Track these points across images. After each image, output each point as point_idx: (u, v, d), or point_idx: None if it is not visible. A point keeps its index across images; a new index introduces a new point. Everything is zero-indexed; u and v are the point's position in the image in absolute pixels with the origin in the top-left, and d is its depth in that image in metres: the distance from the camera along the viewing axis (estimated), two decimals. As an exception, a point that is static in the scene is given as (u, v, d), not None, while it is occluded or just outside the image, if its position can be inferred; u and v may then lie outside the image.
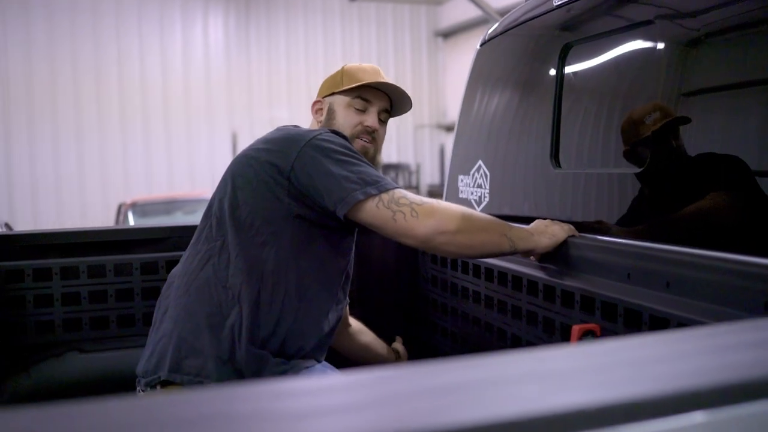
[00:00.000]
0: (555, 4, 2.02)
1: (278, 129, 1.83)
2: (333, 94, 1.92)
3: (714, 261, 1.36)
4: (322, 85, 1.99)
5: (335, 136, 1.73)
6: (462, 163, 2.56)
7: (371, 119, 1.90)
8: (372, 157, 1.88)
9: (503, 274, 1.99)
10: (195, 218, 8.76)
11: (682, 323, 1.34)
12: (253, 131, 12.03)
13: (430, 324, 2.55)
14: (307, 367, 1.70)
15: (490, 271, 2.06)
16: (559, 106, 1.99)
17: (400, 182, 11.87)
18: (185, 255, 1.82)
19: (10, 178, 10.61)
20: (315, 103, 1.98)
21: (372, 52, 12.89)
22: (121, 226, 2.51)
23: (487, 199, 2.37)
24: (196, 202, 8.77)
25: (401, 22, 13.04)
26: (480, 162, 2.42)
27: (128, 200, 8.54)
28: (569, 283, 1.69)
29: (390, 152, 12.72)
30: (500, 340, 2.02)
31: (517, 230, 1.71)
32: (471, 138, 2.53)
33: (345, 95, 1.90)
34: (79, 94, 11.13)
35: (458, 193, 2.57)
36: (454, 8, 12.35)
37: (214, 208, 1.77)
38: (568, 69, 1.98)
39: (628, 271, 1.58)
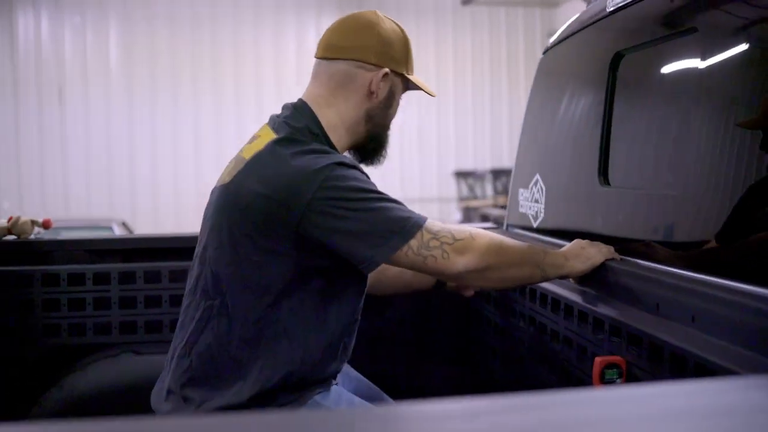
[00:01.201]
0: (608, 10, 1.90)
1: (274, 154, 1.54)
2: (400, 74, 1.68)
3: (740, 296, 1.22)
4: (383, 43, 1.64)
5: (345, 171, 1.50)
6: (522, 177, 2.46)
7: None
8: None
9: (544, 296, 1.89)
10: None
11: (699, 364, 1.21)
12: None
13: (481, 342, 2.47)
14: (319, 392, 1.64)
15: (533, 291, 1.96)
16: (609, 119, 1.86)
17: (499, 188, 11.60)
18: (185, 301, 1.66)
19: (133, 178, 11.23)
20: (386, 74, 1.64)
21: (485, 57, 12.73)
22: (178, 234, 2.55)
23: (542, 216, 2.26)
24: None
25: (514, 25, 12.80)
26: (537, 176, 2.32)
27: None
28: (601, 310, 1.58)
29: (502, 157, 12.51)
30: (540, 363, 1.92)
31: (551, 257, 1.62)
32: (531, 150, 2.43)
33: (403, 82, 1.71)
34: (198, 98, 11.62)
35: (518, 207, 2.47)
36: (570, 10, 12.01)
37: (208, 257, 1.58)
38: (620, 79, 1.85)
39: (657, 301, 1.45)
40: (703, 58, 1.48)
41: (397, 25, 1.72)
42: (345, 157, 1.59)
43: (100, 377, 2.36)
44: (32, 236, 2.49)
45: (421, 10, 12.44)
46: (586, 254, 1.64)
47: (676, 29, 1.64)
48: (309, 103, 1.65)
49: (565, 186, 2.11)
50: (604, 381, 1.47)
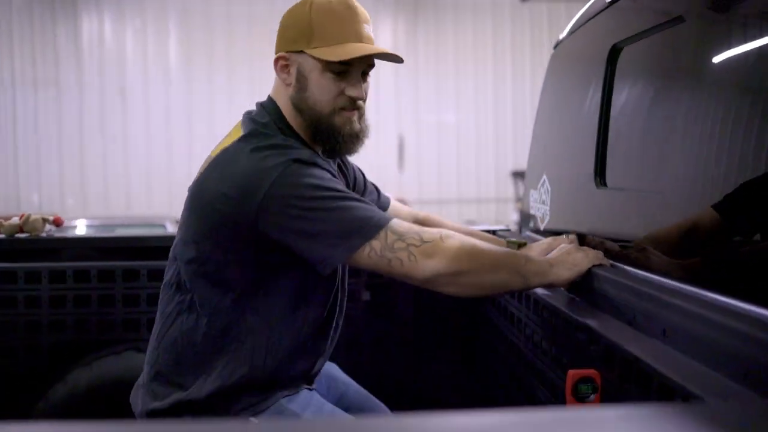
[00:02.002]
0: (606, 1, 1.79)
1: (235, 151, 1.49)
2: (302, 52, 1.51)
3: (711, 310, 1.11)
4: (282, 25, 1.57)
5: (301, 169, 1.43)
6: (533, 177, 2.36)
7: (355, 87, 1.53)
8: (359, 131, 1.57)
9: (537, 302, 1.79)
10: None
11: (662, 383, 1.10)
12: (419, 135, 12.11)
13: (485, 346, 2.38)
14: (287, 395, 1.60)
15: (527, 296, 1.87)
16: (606, 117, 1.75)
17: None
18: (161, 295, 1.64)
19: (191, 177, 11.43)
20: (278, 58, 1.55)
21: (544, 54, 12.48)
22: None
23: (548, 218, 2.15)
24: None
25: (574, 22, 12.50)
26: (545, 176, 2.22)
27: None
28: (580, 319, 1.48)
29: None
30: (529, 373, 1.83)
31: (533, 264, 1.49)
32: (539, 150, 2.33)
33: (317, 59, 1.50)
34: (255, 97, 11.74)
35: (529, 209, 2.37)
36: (633, 6, 11.66)
37: (178, 253, 1.57)
38: (618, 74, 1.74)
39: (633, 312, 1.35)
40: (706, 48, 1.36)
41: (322, 0, 1.53)
42: (305, 152, 1.49)
43: (104, 373, 2.37)
44: (43, 234, 2.53)
45: (478, 8, 12.28)
46: (572, 260, 1.52)
47: (673, 17, 1.52)
48: (274, 98, 1.61)
49: (567, 187, 2.00)
50: (578, 396, 1.38)
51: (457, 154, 12.12)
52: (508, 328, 2.07)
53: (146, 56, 11.57)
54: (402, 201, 8.89)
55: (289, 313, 1.55)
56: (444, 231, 1.47)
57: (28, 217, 2.51)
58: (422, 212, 2.01)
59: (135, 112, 11.43)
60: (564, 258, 1.53)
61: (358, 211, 1.42)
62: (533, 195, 2.32)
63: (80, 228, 8.30)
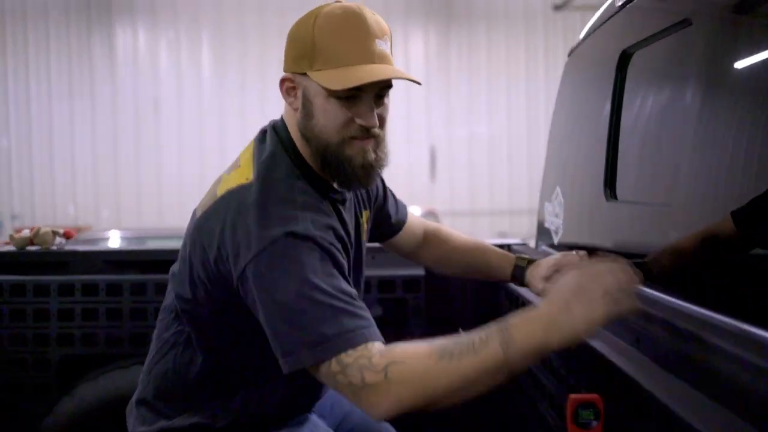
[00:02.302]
0: (617, 5, 1.71)
1: (238, 200, 1.32)
2: (306, 74, 1.33)
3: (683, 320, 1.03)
4: (288, 41, 1.38)
5: (287, 249, 1.23)
6: (547, 189, 2.28)
7: (365, 114, 1.33)
8: (373, 161, 1.37)
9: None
10: None
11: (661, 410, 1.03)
12: (451, 146, 12.02)
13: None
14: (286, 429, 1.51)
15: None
16: (616, 126, 1.68)
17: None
18: (161, 314, 1.54)
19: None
20: (284, 80, 1.39)
21: (577, 64, 12.30)
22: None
23: (561, 232, 2.07)
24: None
25: (608, 31, 12.31)
26: (558, 188, 2.14)
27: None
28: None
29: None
30: (540, 395, 1.75)
31: (517, 346, 1.13)
32: (553, 160, 2.25)
33: (322, 82, 1.31)
34: (266, 110, 11.80)
35: (544, 222, 2.29)
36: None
37: (176, 284, 1.46)
38: (629, 80, 1.66)
39: (637, 335, 1.27)
40: (717, 52, 1.27)
41: (327, 13, 1.34)
42: (303, 225, 1.27)
43: (111, 388, 2.35)
44: (54, 246, 2.52)
45: (510, 18, 12.18)
46: (570, 318, 1.13)
47: (681, 19, 1.44)
48: (286, 120, 1.45)
49: (578, 200, 1.92)
50: (579, 423, 1.30)
51: (490, 165, 12.00)
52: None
53: (180, 67, 11.70)
54: (432, 213, 8.76)
55: None
56: (391, 356, 1.16)
57: (39, 230, 2.50)
58: (433, 224, 1.92)
59: (168, 124, 11.55)
60: (555, 316, 1.14)
61: (319, 324, 1.19)
62: (547, 207, 2.24)
63: (114, 240, 8.39)
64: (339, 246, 1.32)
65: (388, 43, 1.38)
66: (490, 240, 2.45)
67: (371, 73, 1.30)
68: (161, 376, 1.50)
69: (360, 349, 1.16)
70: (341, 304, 1.20)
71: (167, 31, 11.67)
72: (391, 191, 1.82)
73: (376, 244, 2.33)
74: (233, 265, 1.28)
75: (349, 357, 1.17)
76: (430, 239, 1.88)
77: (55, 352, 2.39)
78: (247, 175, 1.37)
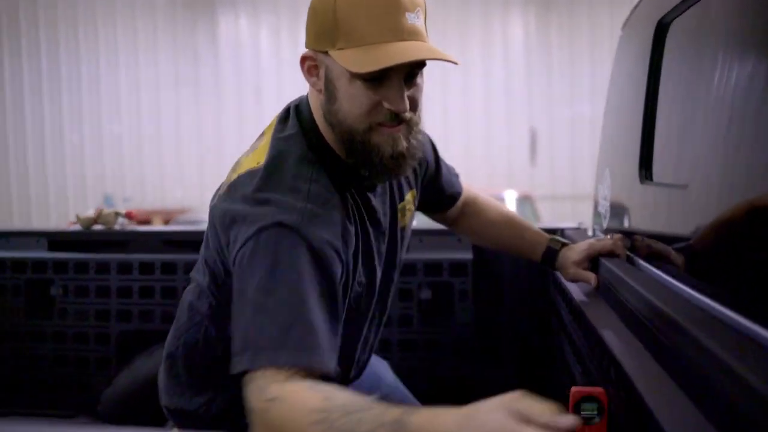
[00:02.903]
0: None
1: (245, 186, 1.27)
2: (328, 53, 1.21)
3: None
4: (309, 15, 1.25)
5: (269, 241, 1.16)
6: (600, 170, 2.16)
7: (394, 97, 1.20)
8: (404, 150, 1.25)
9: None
10: None
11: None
12: (552, 129, 11.70)
13: (548, 357, 2.21)
14: None
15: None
16: (652, 103, 1.55)
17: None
18: (192, 282, 1.51)
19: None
20: (305, 58, 1.28)
21: (689, 41, 11.66)
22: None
23: (607, 217, 1.96)
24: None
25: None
26: (607, 170, 2.02)
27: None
28: (600, 328, 1.31)
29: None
30: (567, 375, 1.67)
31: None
32: (605, 141, 2.13)
33: (343, 63, 1.19)
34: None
35: (597, 206, 2.18)
36: None
37: (200, 267, 1.44)
38: (667, 52, 1.53)
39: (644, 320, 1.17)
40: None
41: None
42: (296, 217, 1.18)
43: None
44: (116, 226, 2.62)
45: (594, 3, 11.68)
46: None
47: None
48: (309, 101, 1.35)
49: (619, 182, 1.81)
50: (581, 417, 1.22)
51: (592, 147, 11.58)
52: (564, 341, 1.91)
53: (280, 53, 11.94)
54: (528, 197, 8.53)
55: None
56: (284, 393, 1.05)
57: (102, 210, 2.61)
58: (470, 193, 1.80)
59: (269, 109, 11.82)
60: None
61: (272, 327, 1.11)
62: (600, 190, 2.13)
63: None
64: (338, 246, 1.22)
65: (421, 17, 1.22)
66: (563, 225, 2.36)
67: (401, 53, 1.16)
68: (192, 347, 1.48)
69: (271, 370, 1.08)
70: (290, 318, 1.11)
71: (268, 17, 11.91)
72: (445, 163, 1.69)
73: (425, 227, 2.30)
74: (230, 253, 1.24)
75: (260, 373, 1.09)
76: (466, 209, 1.80)
77: (115, 327, 2.49)
78: (259, 158, 1.31)
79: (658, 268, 1.36)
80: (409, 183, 1.51)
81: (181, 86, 11.70)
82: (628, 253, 1.59)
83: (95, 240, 2.58)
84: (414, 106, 1.25)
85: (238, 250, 1.19)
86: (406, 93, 1.22)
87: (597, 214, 2.15)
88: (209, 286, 1.43)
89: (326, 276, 1.18)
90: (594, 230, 2.27)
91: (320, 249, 1.18)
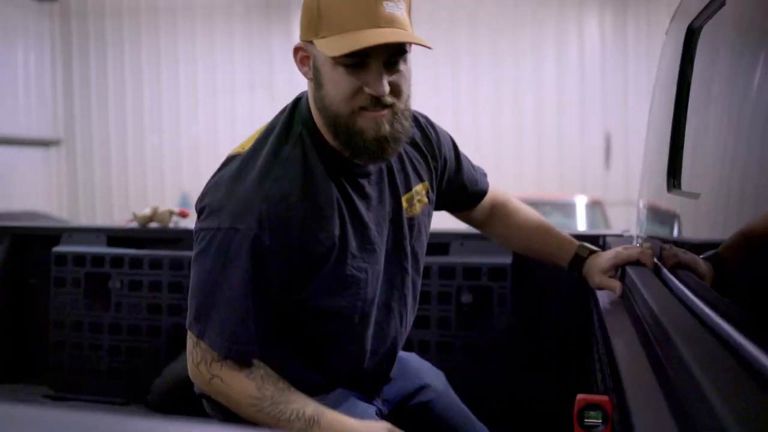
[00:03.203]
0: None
1: (228, 166, 1.40)
2: (313, 41, 1.29)
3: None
4: (301, 12, 1.34)
5: (217, 229, 1.31)
6: (642, 178, 2.13)
7: (374, 82, 1.25)
8: (388, 134, 1.31)
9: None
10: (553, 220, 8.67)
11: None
12: (627, 133, 11.42)
13: (588, 364, 2.18)
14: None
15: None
16: (682, 107, 1.52)
17: None
18: None
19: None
20: (297, 49, 1.35)
21: None
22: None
23: (645, 225, 1.93)
24: (555, 204, 8.63)
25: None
26: (647, 177, 1.99)
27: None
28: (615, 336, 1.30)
29: None
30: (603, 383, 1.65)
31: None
32: (647, 148, 2.09)
33: (322, 48, 1.26)
34: (477, 96, 11.75)
35: (639, 214, 2.14)
36: None
37: None
38: (696, 58, 1.50)
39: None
40: None
41: None
42: (248, 223, 1.30)
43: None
44: (171, 224, 2.73)
45: (672, 4, 11.26)
46: None
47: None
48: (308, 93, 1.42)
49: (652, 188, 1.77)
50: (584, 425, 1.22)
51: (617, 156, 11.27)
52: (594, 347, 1.89)
53: (354, 58, 12.08)
54: (598, 203, 8.33)
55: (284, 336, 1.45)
56: (225, 376, 1.35)
57: (158, 209, 2.72)
58: (501, 195, 1.80)
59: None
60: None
61: (222, 316, 1.33)
62: (642, 197, 2.09)
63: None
64: (276, 248, 1.32)
65: (402, 7, 1.28)
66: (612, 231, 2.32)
67: (374, 37, 1.22)
68: None
69: (214, 352, 1.34)
70: (233, 316, 1.32)
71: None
72: (467, 160, 1.72)
73: (465, 231, 2.31)
74: (195, 227, 1.39)
75: (203, 343, 1.34)
76: (496, 212, 1.79)
77: (166, 320, 2.59)
78: (245, 144, 1.42)
79: (676, 278, 1.34)
80: (418, 175, 1.54)
81: (256, 89, 11.96)
82: (656, 261, 1.56)
83: (150, 237, 2.69)
84: (398, 92, 1.30)
85: (200, 236, 1.35)
86: (388, 78, 1.27)
87: (639, 221, 2.12)
88: None
89: (263, 278, 1.33)
90: (636, 238, 2.23)
91: (261, 254, 1.31)
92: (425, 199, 1.56)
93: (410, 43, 1.30)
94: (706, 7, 1.38)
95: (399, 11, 1.27)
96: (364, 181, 1.42)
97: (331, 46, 1.25)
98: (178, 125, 12.13)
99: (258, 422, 1.32)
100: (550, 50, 11.57)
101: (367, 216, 1.42)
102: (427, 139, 1.57)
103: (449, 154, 1.64)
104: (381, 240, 1.46)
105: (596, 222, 7.32)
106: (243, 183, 1.33)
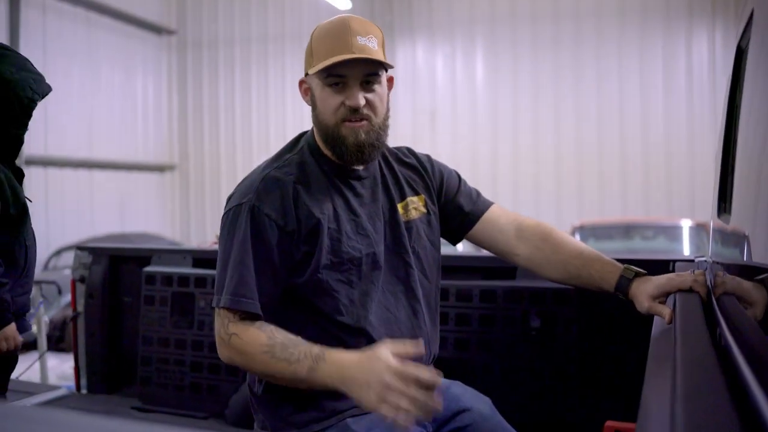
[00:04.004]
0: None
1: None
2: (309, 74, 1.66)
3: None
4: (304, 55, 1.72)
5: (237, 214, 1.60)
6: (713, 202, 2.05)
7: (352, 96, 1.59)
8: (363, 141, 1.61)
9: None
10: (651, 245, 8.15)
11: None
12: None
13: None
14: (356, 415, 1.59)
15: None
16: (732, 130, 1.48)
17: None
18: None
19: (495, 196, 11.62)
20: (301, 83, 1.72)
21: None
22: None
23: (710, 250, 1.86)
24: (660, 227, 8.35)
25: None
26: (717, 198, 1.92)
27: (578, 222, 8.60)
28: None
29: None
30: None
31: (318, 377, 1.44)
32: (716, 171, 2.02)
33: (318, 76, 1.61)
34: (560, 120, 11.59)
35: (710, 239, 2.07)
36: None
37: None
38: (747, 79, 1.45)
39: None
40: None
41: (322, 23, 1.67)
42: (258, 199, 1.60)
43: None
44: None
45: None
46: (358, 388, 1.38)
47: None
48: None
49: (715, 213, 1.72)
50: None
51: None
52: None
53: (455, 80, 12.14)
54: (702, 225, 7.95)
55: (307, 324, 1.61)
56: (241, 330, 1.53)
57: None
58: (532, 223, 1.81)
59: (443, 133, 12.04)
60: (356, 373, 1.39)
61: (228, 278, 1.56)
62: (712, 219, 2.02)
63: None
64: (275, 216, 1.58)
65: (375, 42, 1.61)
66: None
67: (342, 56, 1.56)
68: None
69: (231, 312, 1.54)
70: (236, 274, 1.55)
71: (444, 46, 12.17)
72: (465, 183, 1.88)
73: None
74: None
75: (224, 312, 1.55)
76: (528, 239, 1.78)
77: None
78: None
79: (720, 309, 1.30)
80: (413, 189, 1.79)
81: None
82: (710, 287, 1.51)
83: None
84: (373, 107, 1.62)
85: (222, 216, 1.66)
86: (364, 95, 1.60)
87: (709, 246, 2.04)
88: None
89: (261, 240, 1.58)
90: (706, 263, 2.15)
91: (260, 221, 1.58)
92: (423, 209, 1.78)
93: (385, 69, 1.64)
94: (746, 25, 1.34)
95: (371, 44, 1.60)
96: (356, 183, 1.69)
97: (317, 68, 1.60)
98: (267, 146, 12.54)
99: (272, 370, 1.49)
100: (658, 67, 11.23)
101: (359, 209, 1.67)
102: (422, 164, 1.84)
103: (449, 175, 1.86)
104: (374, 231, 1.68)
105: (700, 246, 7.02)
106: (249, 177, 1.67)
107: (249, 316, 1.55)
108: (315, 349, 1.45)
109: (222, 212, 1.67)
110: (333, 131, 1.62)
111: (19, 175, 2.31)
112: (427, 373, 1.31)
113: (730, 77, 1.47)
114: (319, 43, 1.62)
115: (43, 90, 2.26)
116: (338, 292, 1.62)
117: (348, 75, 1.59)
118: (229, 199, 1.67)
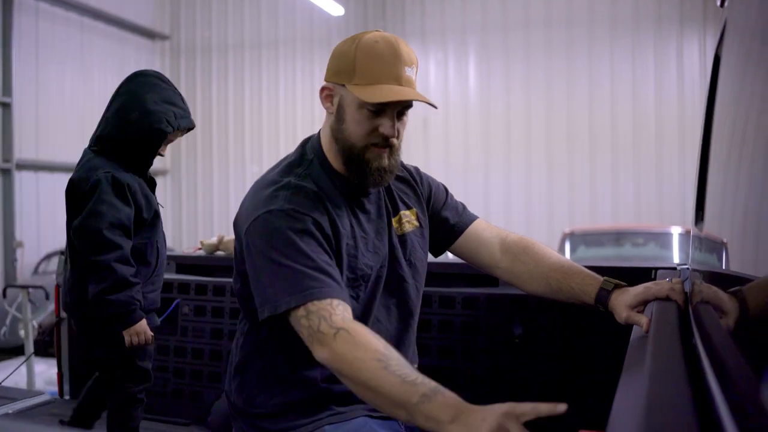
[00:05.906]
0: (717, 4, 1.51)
1: (256, 184, 1.67)
2: (344, 85, 1.58)
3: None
4: (331, 57, 1.63)
5: (271, 220, 1.51)
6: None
7: (388, 126, 1.57)
8: (386, 166, 1.60)
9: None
10: (641, 252, 8.13)
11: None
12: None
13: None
14: (335, 422, 1.61)
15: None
16: (706, 136, 1.48)
17: None
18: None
19: (487, 208, 11.61)
20: (324, 88, 1.64)
21: None
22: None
23: (690, 257, 1.86)
24: (650, 234, 8.37)
25: None
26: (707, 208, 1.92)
27: (568, 229, 8.61)
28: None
29: None
30: None
31: (430, 407, 1.23)
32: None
33: (356, 94, 1.55)
34: (552, 130, 11.60)
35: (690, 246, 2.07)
36: None
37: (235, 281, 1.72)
38: (720, 86, 1.45)
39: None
40: None
41: (369, 39, 1.57)
42: (289, 203, 1.53)
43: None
44: (235, 252, 2.84)
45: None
46: (482, 415, 1.19)
47: None
48: (322, 126, 1.71)
49: (692, 220, 1.71)
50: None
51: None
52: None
53: (447, 87, 12.15)
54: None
55: (291, 346, 1.56)
56: (350, 326, 1.38)
57: (223, 237, 2.84)
58: (515, 237, 1.85)
59: (436, 141, 12.04)
60: (472, 419, 1.19)
61: (296, 277, 1.45)
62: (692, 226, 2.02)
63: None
64: (315, 218, 1.54)
65: (414, 71, 1.60)
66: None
67: (398, 93, 1.54)
68: (236, 370, 1.74)
69: (324, 303, 1.42)
70: (301, 267, 1.45)
71: (436, 53, 12.18)
72: (452, 196, 1.91)
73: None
74: (238, 235, 1.60)
75: (314, 306, 1.41)
76: (511, 253, 1.82)
77: (227, 345, 2.69)
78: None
79: (695, 318, 1.29)
80: (405, 203, 1.79)
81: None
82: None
83: (215, 265, 2.81)
84: (399, 135, 1.61)
85: (245, 233, 1.55)
86: (397, 124, 1.58)
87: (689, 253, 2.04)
88: (239, 300, 1.72)
89: (307, 233, 1.51)
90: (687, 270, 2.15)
91: (295, 215, 1.52)
92: (415, 222, 1.79)
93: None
94: (721, 34, 1.35)
95: (413, 74, 1.59)
96: (363, 199, 1.68)
97: (366, 93, 1.54)
98: (278, 155, 12.51)
99: (379, 381, 1.29)
100: (649, 78, 11.26)
101: (367, 225, 1.67)
102: (413, 177, 1.85)
103: (437, 188, 1.89)
104: (382, 245, 1.69)
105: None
106: (260, 192, 1.59)
107: (342, 306, 1.43)
108: (433, 382, 1.28)
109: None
110: (358, 153, 1.59)
111: (152, 184, 2.45)
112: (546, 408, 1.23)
113: (708, 85, 1.47)
114: (367, 62, 1.55)
115: (181, 125, 2.44)
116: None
117: (389, 105, 1.55)
118: (236, 220, 1.62)
